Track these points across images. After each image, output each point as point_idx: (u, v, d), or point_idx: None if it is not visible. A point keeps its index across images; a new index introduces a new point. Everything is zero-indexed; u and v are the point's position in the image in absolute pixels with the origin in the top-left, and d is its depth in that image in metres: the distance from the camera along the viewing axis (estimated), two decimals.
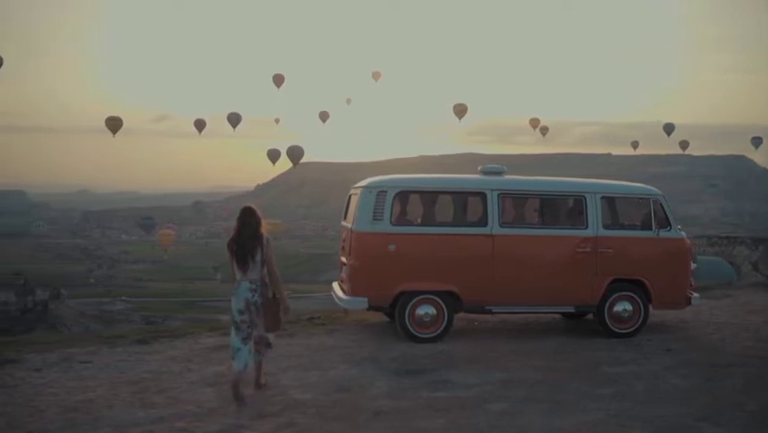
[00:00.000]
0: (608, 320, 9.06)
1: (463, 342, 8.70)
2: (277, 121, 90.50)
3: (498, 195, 8.90)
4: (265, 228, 6.54)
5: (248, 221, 6.45)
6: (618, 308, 9.06)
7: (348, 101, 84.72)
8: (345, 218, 9.47)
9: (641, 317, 9.11)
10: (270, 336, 6.64)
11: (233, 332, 6.38)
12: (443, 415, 6.00)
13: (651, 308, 9.20)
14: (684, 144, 79.60)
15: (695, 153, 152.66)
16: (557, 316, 10.12)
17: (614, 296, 9.05)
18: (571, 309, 9.26)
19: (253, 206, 6.64)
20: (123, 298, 70.14)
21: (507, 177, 9.33)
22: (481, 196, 8.91)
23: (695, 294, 9.46)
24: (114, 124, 57.57)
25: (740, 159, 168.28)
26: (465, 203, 9.15)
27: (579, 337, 9.11)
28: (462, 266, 8.76)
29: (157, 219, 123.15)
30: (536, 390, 6.74)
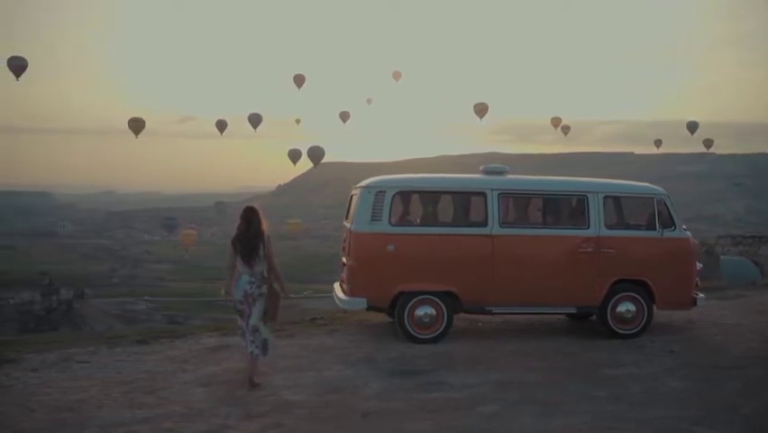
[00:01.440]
0: (610, 321, 8.94)
1: (463, 343, 8.64)
2: (298, 121, 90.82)
3: (499, 195, 8.81)
4: (266, 227, 6.93)
5: (252, 220, 6.85)
6: (621, 308, 8.94)
7: (368, 101, 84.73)
8: (347, 218, 9.46)
9: (644, 318, 8.98)
10: (269, 332, 6.93)
11: (238, 319, 6.92)
12: (432, 417, 5.96)
13: (655, 308, 9.07)
14: (708, 143, 78.56)
15: (719, 152, 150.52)
16: (561, 316, 10.01)
17: (617, 297, 8.93)
18: (572, 310, 9.16)
19: (256, 205, 7.05)
20: (145, 297, 70.83)
21: (507, 177, 9.25)
22: (481, 196, 8.84)
23: (701, 294, 9.30)
24: (136, 126, 58.11)
25: (765, 157, 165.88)
26: (465, 203, 9.08)
27: (581, 338, 9.01)
28: (462, 266, 8.70)
29: (179, 219, 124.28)
30: (531, 391, 6.66)
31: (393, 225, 8.67)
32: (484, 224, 8.76)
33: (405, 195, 8.96)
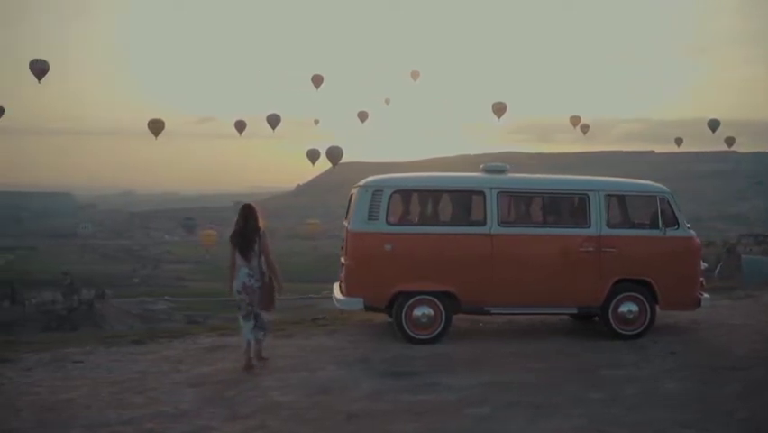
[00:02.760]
0: (612, 322, 8.79)
1: (462, 343, 8.54)
2: (316, 122, 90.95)
3: (498, 193, 8.70)
4: (262, 223, 7.44)
5: (248, 217, 7.37)
6: (623, 309, 8.78)
7: (387, 101, 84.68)
8: (346, 218, 9.39)
9: (647, 319, 8.82)
10: (266, 318, 7.46)
11: (237, 310, 7.41)
12: (418, 419, 5.87)
13: (658, 309, 8.91)
14: (730, 141, 77.54)
15: (741, 150, 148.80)
16: (564, 317, 9.87)
17: (619, 297, 8.78)
18: (573, 311, 9.03)
19: (253, 204, 7.57)
20: (165, 297, 71.37)
21: (507, 175, 9.13)
22: (480, 194, 8.73)
23: (705, 295, 9.11)
24: (156, 127, 58.51)
25: None
26: (463, 202, 8.96)
27: (582, 339, 8.86)
28: (460, 266, 8.59)
29: (198, 220, 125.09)
30: (524, 393, 6.55)
31: (390, 225, 8.59)
32: (483, 223, 8.65)
33: (403, 194, 8.87)
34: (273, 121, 61.95)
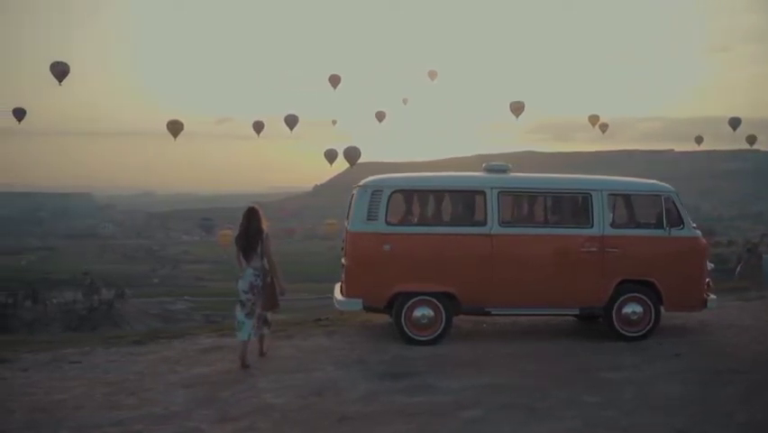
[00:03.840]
0: (616, 323, 8.67)
1: (463, 344, 8.46)
2: (334, 122, 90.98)
3: (498, 193, 8.61)
4: (265, 225, 7.74)
5: (252, 219, 7.67)
6: (627, 310, 8.66)
7: (404, 101, 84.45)
8: (347, 218, 9.34)
9: (651, 320, 8.69)
10: (268, 315, 7.74)
11: (237, 308, 7.59)
12: (410, 421, 5.81)
13: (663, 310, 8.77)
14: (751, 139, 76.23)
15: (763, 148, 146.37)
16: (569, 318, 9.74)
17: (622, 297, 8.66)
18: (575, 312, 8.91)
19: (256, 206, 7.88)
20: (185, 297, 71.72)
21: (509, 174, 9.03)
22: (480, 194, 8.64)
23: (712, 295, 8.95)
24: (174, 128, 58.75)
25: None
26: (464, 202, 8.87)
27: (585, 341, 8.74)
28: (461, 267, 8.51)
29: (216, 220, 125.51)
30: (519, 396, 6.46)
31: (390, 225, 8.52)
32: (483, 223, 8.57)
33: (402, 194, 8.80)
34: (291, 121, 61.97)
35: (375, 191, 8.58)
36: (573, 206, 8.96)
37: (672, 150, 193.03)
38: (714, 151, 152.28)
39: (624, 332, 8.66)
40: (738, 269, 21.73)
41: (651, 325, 8.69)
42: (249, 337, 7.52)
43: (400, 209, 8.81)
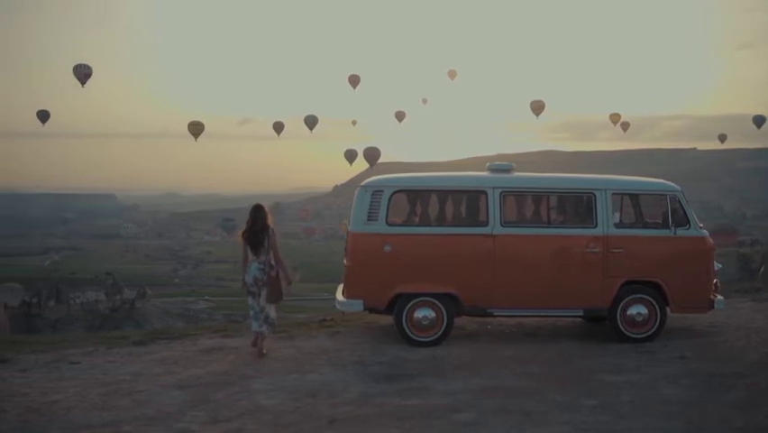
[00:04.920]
0: (620, 324, 8.54)
1: (464, 346, 8.38)
2: (354, 123, 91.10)
3: (501, 193, 8.51)
4: (271, 221, 8.03)
5: (258, 216, 7.95)
6: (632, 311, 8.52)
7: (424, 101, 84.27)
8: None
9: (657, 322, 8.54)
10: (272, 311, 8.00)
11: (249, 299, 7.99)
12: (401, 424, 5.74)
13: (668, 312, 8.62)
14: None
15: None
16: (576, 319, 9.61)
17: (627, 299, 8.53)
18: (579, 313, 8.79)
19: (262, 204, 8.16)
20: (206, 297, 72.16)
21: (511, 174, 8.93)
22: (482, 194, 8.55)
23: (719, 297, 8.78)
24: (196, 129, 59.22)
25: None
26: (465, 202, 8.80)
27: (589, 342, 8.61)
28: (462, 268, 8.43)
29: (238, 220, 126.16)
30: (514, 399, 6.36)
31: (390, 225, 8.47)
32: (485, 223, 8.48)
33: (403, 194, 8.74)
34: (311, 122, 62.19)
35: (376, 192, 8.53)
36: (577, 205, 8.85)
37: (695, 148, 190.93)
38: (738, 149, 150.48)
39: (628, 334, 8.53)
40: (762, 269, 21.34)
41: (656, 326, 8.56)
42: (257, 329, 7.95)
43: (401, 210, 8.75)
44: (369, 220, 8.46)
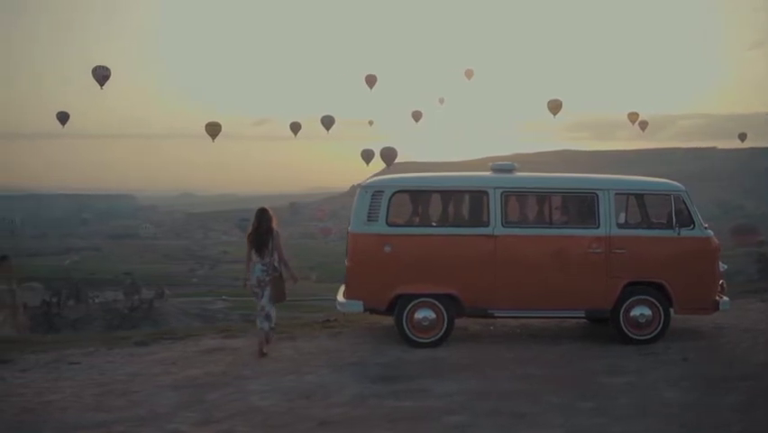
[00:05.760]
0: (623, 326, 8.44)
1: (464, 347, 8.32)
2: (370, 123, 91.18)
3: (502, 193, 8.45)
4: (276, 224, 8.21)
5: (263, 219, 8.16)
6: (635, 312, 8.42)
7: (441, 100, 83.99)
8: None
9: (661, 323, 8.44)
10: (273, 312, 8.12)
11: (255, 300, 8.22)
12: (392, 426, 5.71)
13: (672, 313, 8.50)
14: None
15: None
16: (581, 320, 9.51)
17: (630, 300, 8.43)
18: (581, 314, 8.69)
19: (266, 207, 8.36)
20: (223, 297, 72.48)
21: (514, 174, 8.86)
22: (483, 194, 8.49)
23: (724, 298, 8.65)
24: (213, 130, 59.46)
25: None
26: (466, 202, 8.75)
27: (592, 344, 8.52)
28: (463, 268, 8.37)
29: None
30: (509, 401, 6.30)
31: (391, 226, 8.43)
32: (486, 224, 8.42)
33: (403, 195, 8.69)
34: (327, 122, 62.24)
35: (376, 192, 8.50)
36: (579, 206, 8.76)
37: (715, 147, 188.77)
38: (758, 148, 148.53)
39: (632, 335, 8.43)
40: None
41: (660, 328, 8.45)
42: (262, 326, 8.08)
43: (401, 210, 8.71)
44: (369, 221, 8.42)
